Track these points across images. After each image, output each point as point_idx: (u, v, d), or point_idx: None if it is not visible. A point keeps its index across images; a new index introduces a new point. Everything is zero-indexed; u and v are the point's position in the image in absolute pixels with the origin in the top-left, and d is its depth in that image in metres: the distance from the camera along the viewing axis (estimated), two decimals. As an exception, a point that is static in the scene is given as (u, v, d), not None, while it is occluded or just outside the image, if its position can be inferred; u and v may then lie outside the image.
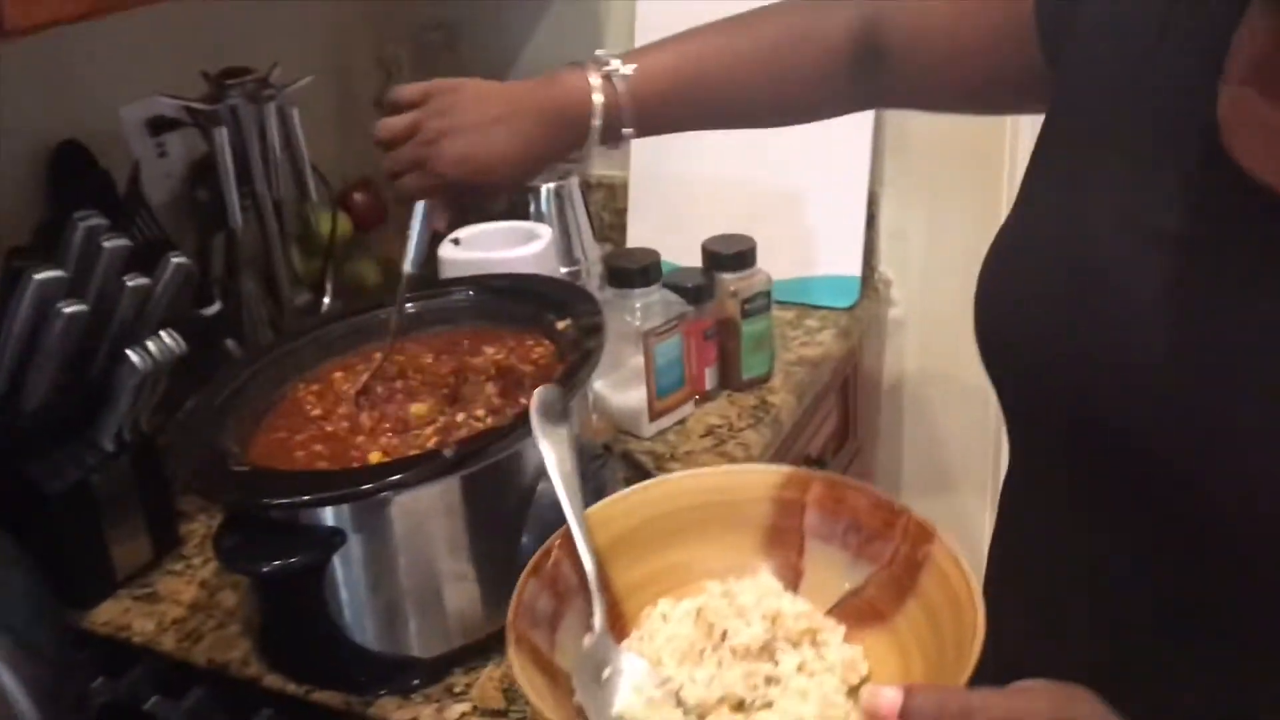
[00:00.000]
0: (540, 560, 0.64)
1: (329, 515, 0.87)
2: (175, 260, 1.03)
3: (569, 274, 1.45)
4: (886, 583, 0.63)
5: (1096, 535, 0.65)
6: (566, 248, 1.48)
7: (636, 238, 1.63)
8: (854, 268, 1.52)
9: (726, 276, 1.32)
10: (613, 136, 0.87)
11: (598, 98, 0.84)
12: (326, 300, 1.38)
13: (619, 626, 0.65)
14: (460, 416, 1.00)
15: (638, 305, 1.25)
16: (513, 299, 1.15)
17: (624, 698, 0.59)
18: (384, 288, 1.56)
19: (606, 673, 0.60)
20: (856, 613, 0.64)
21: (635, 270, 1.24)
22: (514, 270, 1.26)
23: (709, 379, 1.34)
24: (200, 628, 1.03)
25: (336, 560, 0.89)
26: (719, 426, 1.29)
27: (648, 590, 0.67)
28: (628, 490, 0.69)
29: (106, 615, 1.06)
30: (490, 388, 1.03)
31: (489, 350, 1.09)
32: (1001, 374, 0.69)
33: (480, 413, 1.00)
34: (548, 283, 1.18)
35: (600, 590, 0.62)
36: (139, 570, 1.10)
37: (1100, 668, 0.57)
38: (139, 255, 1.25)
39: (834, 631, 0.63)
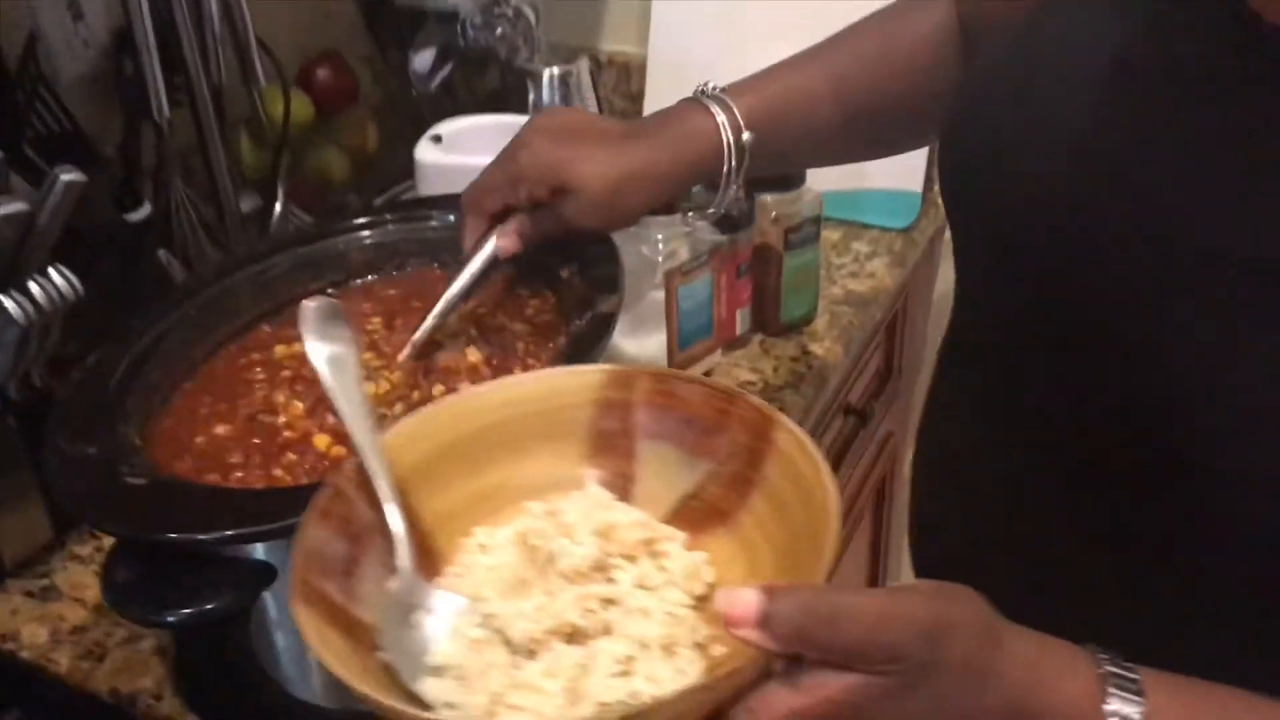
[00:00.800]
0: (325, 498, 0.54)
1: (259, 547, 0.66)
2: (65, 178, 0.79)
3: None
4: (727, 479, 0.57)
5: (1024, 446, 0.66)
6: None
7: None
8: (914, 182, 1.28)
9: (768, 198, 1.07)
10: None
11: (728, 137, 0.81)
12: (278, 207, 1.14)
13: (430, 565, 0.57)
14: (437, 392, 0.78)
15: (659, 236, 1.01)
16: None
17: (441, 645, 0.52)
18: (352, 185, 1.31)
19: (419, 618, 0.53)
20: (697, 516, 0.58)
21: (658, 195, 1.00)
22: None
23: (740, 322, 1.11)
24: (106, 640, 0.83)
25: (268, 597, 0.68)
26: (751, 383, 1.07)
27: (461, 520, 0.59)
28: (425, 409, 0.60)
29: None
30: (471, 355, 0.81)
31: (468, 303, 0.86)
32: (954, 214, 0.69)
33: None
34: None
35: (403, 524, 0.54)
36: (34, 555, 0.90)
37: (1017, 580, 0.57)
38: (49, 147, 1.02)
39: (674, 540, 0.57)
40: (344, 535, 0.54)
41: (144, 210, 1.08)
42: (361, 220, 0.94)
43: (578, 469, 0.61)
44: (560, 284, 0.86)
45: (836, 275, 1.21)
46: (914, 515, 0.86)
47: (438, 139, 1.14)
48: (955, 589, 0.49)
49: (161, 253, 1.10)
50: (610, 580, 0.55)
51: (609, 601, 0.53)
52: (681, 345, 1.04)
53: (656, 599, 0.53)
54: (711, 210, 0.87)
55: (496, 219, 0.82)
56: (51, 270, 0.80)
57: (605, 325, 0.78)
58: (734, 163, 0.81)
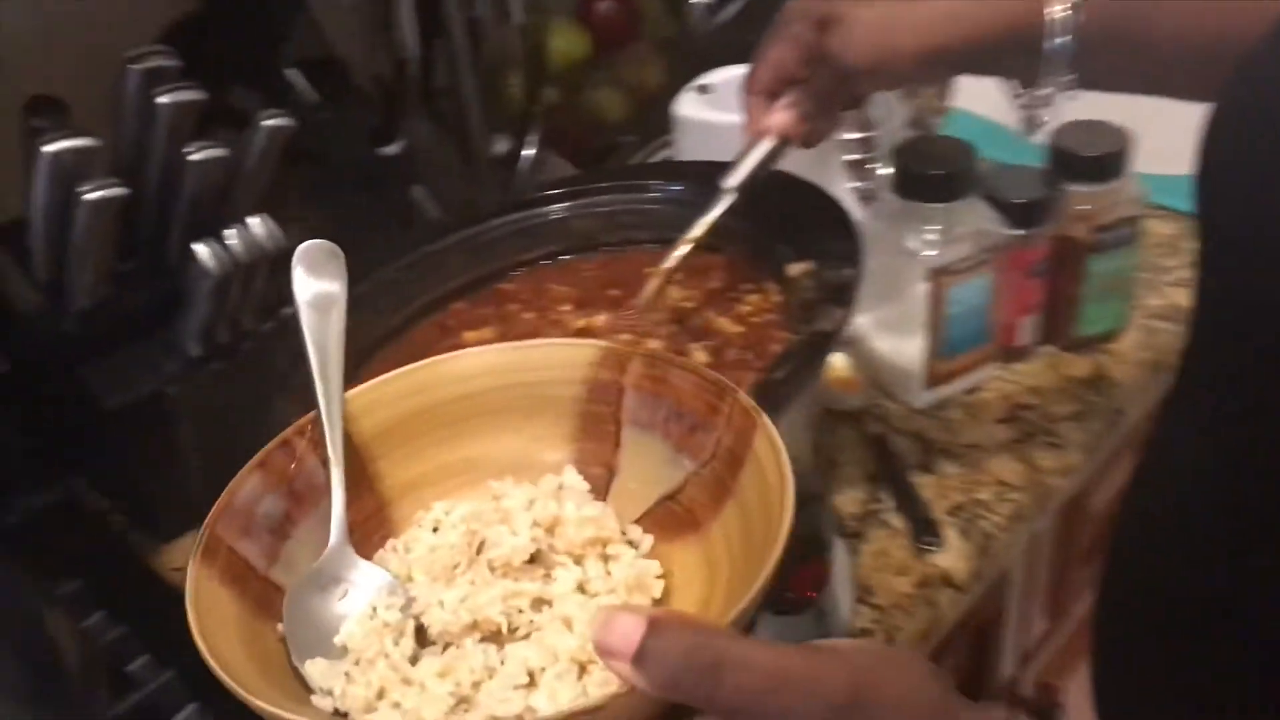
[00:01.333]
0: (273, 451, 0.52)
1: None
2: (268, 123, 0.74)
3: (860, 145, 1.06)
4: (707, 482, 0.52)
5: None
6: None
7: (964, 97, 1.20)
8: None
9: (1079, 189, 0.89)
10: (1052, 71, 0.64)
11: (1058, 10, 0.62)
12: (527, 150, 1.07)
13: (379, 537, 0.53)
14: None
15: (929, 228, 0.86)
16: (735, 210, 0.80)
17: (349, 623, 0.48)
18: (627, 126, 1.22)
19: (340, 591, 0.49)
20: (671, 520, 0.53)
21: (935, 178, 0.85)
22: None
23: (1024, 331, 0.94)
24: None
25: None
26: (1027, 408, 0.90)
27: (426, 491, 0.55)
28: (406, 369, 0.56)
29: (182, 557, 0.85)
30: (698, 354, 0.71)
31: (675, 292, 0.76)
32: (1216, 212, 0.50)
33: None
34: (795, 191, 0.80)
35: (342, 488, 0.51)
36: (235, 499, 0.89)
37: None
38: (307, 75, 0.99)
39: (633, 544, 0.52)
40: (284, 492, 0.51)
41: (397, 145, 1.04)
42: (588, 186, 0.85)
43: (559, 452, 0.56)
44: (787, 281, 0.73)
45: (1160, 281, 1.01)
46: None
47: (704, 89, 1.03)
48: (894, 655, 0.42)
49: (416, 189, 1.06)
50: (549, 579, 0.50)
51: (543, 602, 0.49)
52: (945, 351, 0.89)
53: (590, 608, 0.48)
54: (1039, 94, 0.67)
55: (777, 97, 0.73)
56: (251, 220, 0.76)
57: (820, 349, 0.65)
58: (1057, 40, 0.63)
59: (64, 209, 0.69)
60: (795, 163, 0.88)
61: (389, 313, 0.79)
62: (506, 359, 0.56)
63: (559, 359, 0.56)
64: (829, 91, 0.71)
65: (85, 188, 0.67)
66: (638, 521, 0.53)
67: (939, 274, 0.85)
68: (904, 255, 0.86)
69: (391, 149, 1.04)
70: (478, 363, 0.56)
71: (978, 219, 0.87)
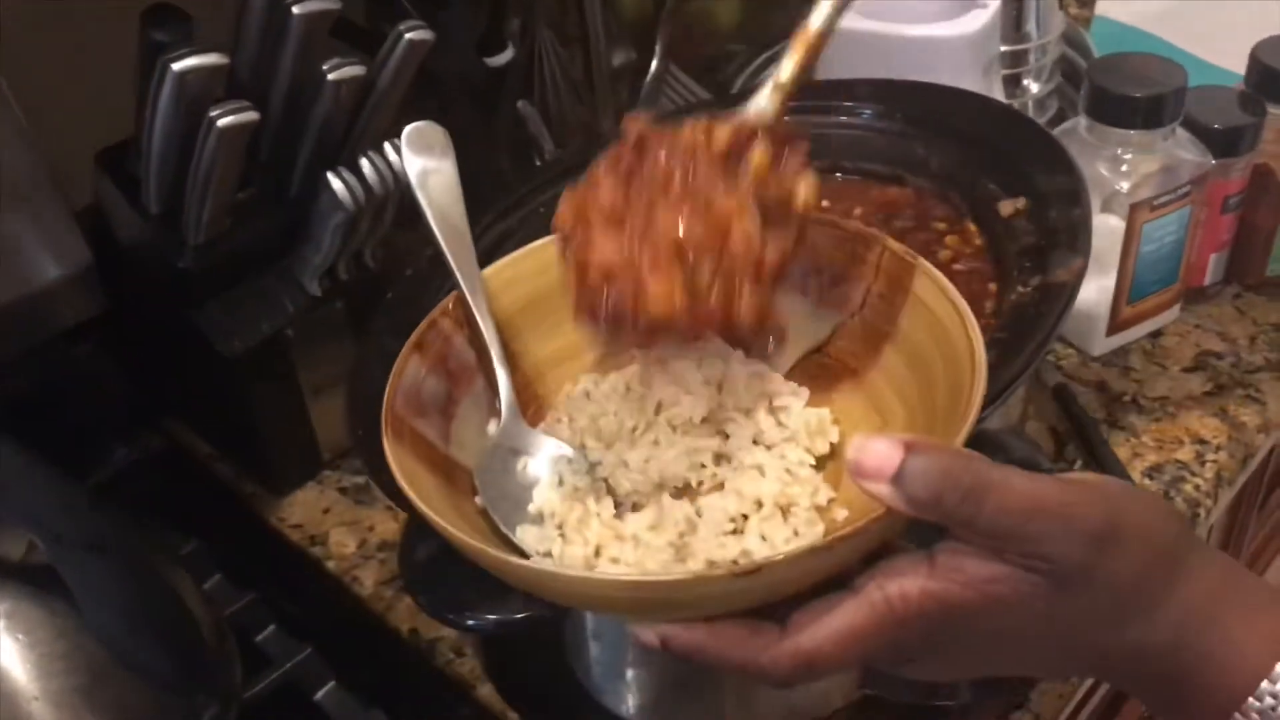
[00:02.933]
0: (424, 334, 0.51)
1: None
2: (410, 36, 0.65)
3: (1010, 60, 0.96)
4: (858, 331, 0.52)
5: None
6: (1017, 12, 0.97)
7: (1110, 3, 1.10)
8: None
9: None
10: None
11: None
12: (654, 63, 0.97)
13: (532, 411, 0.54)
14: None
15: (1127, 157, 0.77)
16: (927, 136, 0.71)
17: (541, 493, 0.49)
18: (741, 34, 1.12)
19: (520, 464, 0.50)
20: (823, 372, 0.53)
21: (1137, 101, 0.75)
22: (935, 59, 0.81)
23: (1211, 270, 0.86)
24: (413, 565, 0.74)
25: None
26: (1217, 355, 0.82)
27: (567, 366, 0.55)
28: (535, 244, 0.55)
29: (301, 513, 0.78)
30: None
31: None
32: None
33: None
34: (996, 116, 0.71)
35: (505, 365, 0.51)
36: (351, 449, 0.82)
37: None
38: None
39: (796, 395, 0.52)
40: (442, 373, 0.51)
41: (507, 55, 0.95)
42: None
43: None
44: (997, 222, 0.65)
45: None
46: None
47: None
48: (1141, 494, 0.44)
49: (521, 104, 0.97)
50: (724, 435, 0.51)
51: (721, 457, 0.50)
52: (1135, 296, 0.81)
53: (774, 456, 0.49)
54: None
55: None
56: (388, 147, 0.68)
57: (1058, 302, 0.57)
58: None
59: (187, 133, 0.61)
60: (961, 79, 0.79)
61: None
62: None
63: None
64: None
65: (216, 111, 0.59)
66: (788, 377, 0.53)
67: (1137, 209, 0.76)
68: (1094, 184, 0.77)
69: (500, 60, 0.95)
70: None
71: (1175, 147, 0.78)
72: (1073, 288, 0.58)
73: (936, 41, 0.83)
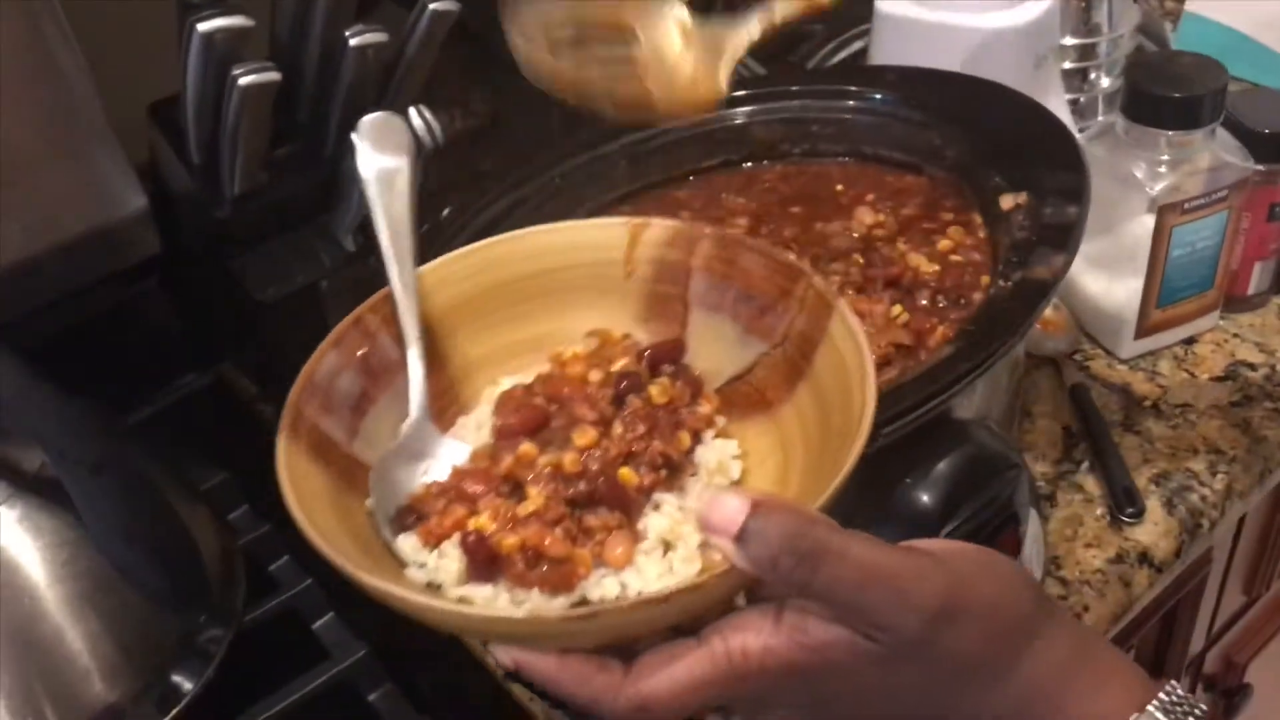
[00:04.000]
0: (347, 329, 0.51)
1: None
2: (434, 7, 0.68)
3: (1081, 52, 0.95)
4: (778, 363, 0.52)
5: None
6: (1085, 3, 0.96)
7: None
8: None
9: (1338, 118, 0.77)
10: None
11: None
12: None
13: (452, 412, 0.53)
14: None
15: (1162, 158, 0.75)
16: (946, 125, 0.71)
17: None
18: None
19: (423, 468, 0.49)
20: (741, 400, 0.53)
21: (1173, 101, 0.74)
22: (983, 50, 0.80)
23: (1255, 278, 0.83)
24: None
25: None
26: (1251, 366, 0.80)
27: (492, 369, 0.55)
28: (474, 245, 0.56)
29: (329, 456, 0.82)
30: (851, 298, 0.63)
31: (865, 216, 0.68)
32: None
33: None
34: (1011, 107, 0.71)
35: (422, 365, 0.51)
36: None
37: None
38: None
39: (710, 426, 0.51)
40: (360, 369, 0.51)
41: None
42: (774, 89, 0.77)
43: (626, 331, 0.54)
44: (996, 215, 0.65)
45: None
46: None
47: (909, -20, 0.92)
48: (994, 564, 0.42)
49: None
50: None
51: None
52: (1164, 300, 0.79)
53: (673, 489, 0.47)
54: None
55: None
56: (412, 111, 0.71)
57: (1032, 301, 0.57)
58: None
59: (217, 91, 0.65)
60: (1007, 71, 0.78)
61: (552, 218, 0.72)
62: (575, 237, 0.56)
63: (625, 239, 0.54)
64: None
65: (239, 70, 0.63)
66: None
67: (1167, 211, 0.75)
68: (1127, 185, 0.76)
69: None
70: (546, 241, 0.56)
71: (1217, 149, 0.76)
72: (1050, 286, 0.58)
73: (984, 32, 0.82)
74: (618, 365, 0.50)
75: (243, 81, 0.63)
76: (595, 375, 0.50)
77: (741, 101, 0.76)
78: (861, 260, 0.65)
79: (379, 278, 0.79)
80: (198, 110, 0.67)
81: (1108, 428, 0.76)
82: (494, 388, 0.53)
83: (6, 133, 0.68)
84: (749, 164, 0.76)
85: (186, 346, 0.89)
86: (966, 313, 0.61)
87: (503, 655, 0.40)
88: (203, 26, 0.61)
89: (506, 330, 0.55)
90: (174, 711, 0.60)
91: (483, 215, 0.71)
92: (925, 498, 0.57)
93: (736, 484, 0.49)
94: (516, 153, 0.79)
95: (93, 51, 0.72)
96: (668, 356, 0.51)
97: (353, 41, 0.66)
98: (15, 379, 0.55)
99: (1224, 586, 0.94)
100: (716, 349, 0.53)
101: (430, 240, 0.70)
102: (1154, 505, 0.72)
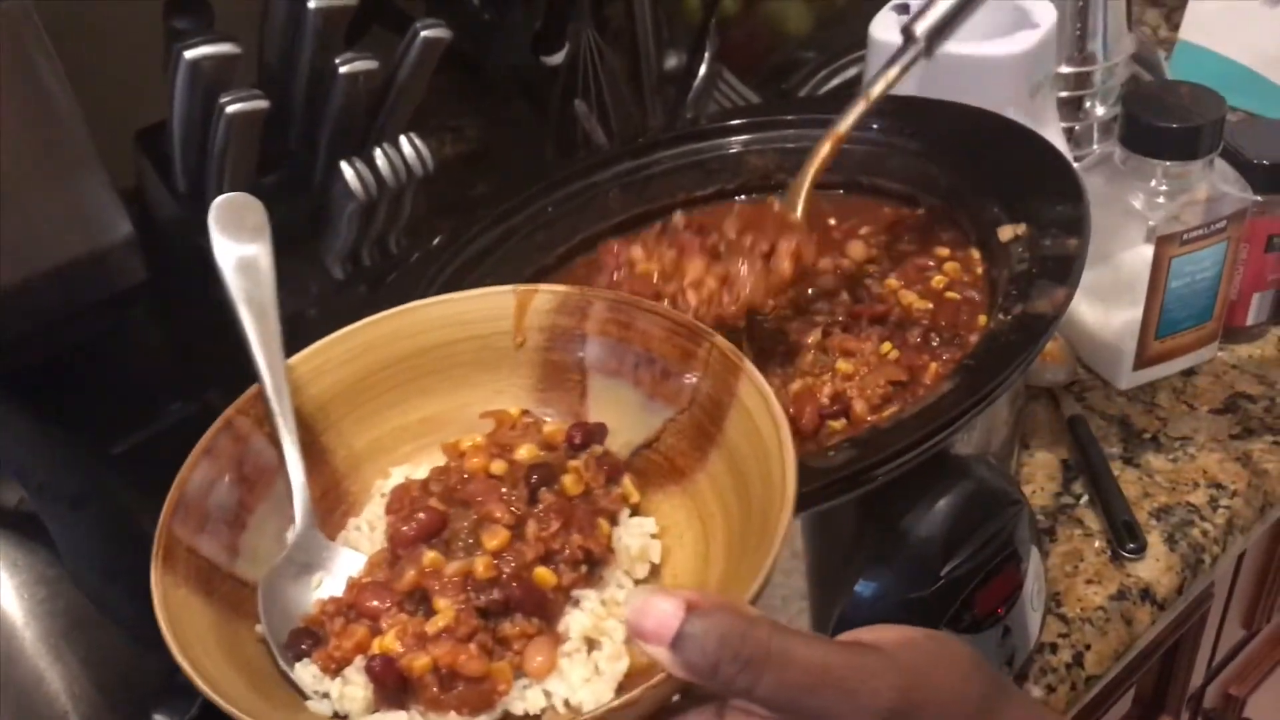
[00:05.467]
0: (216, 435, 0.47)
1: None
2: (426, 34, 0.67)
3: (1073, 81, 0.94)
4: (686, 430, 0.49)
5: None
6: (1079, 32, 0.95)
7: (1197, 28, 1.06)
8: None
9: (1338, 149, 0.77)
10: None
11: None
12: (702, 69, 0.98)
13: (341, 513, 0.49)
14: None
15: (1160, 189, 0.75)
16: (942, 155, 0.70)
17: None
18: (811, 41, 1.12)
19: (315, 580, 0.45)
20: (651, 469, 0.50)
21: (1171, 132, 0.73)
22: (979, 79, 0.79)
23: (1254, 309, 0.82)
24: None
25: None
26: (1250, 398, 0.79)
27: (383, 458, 0.51)
28: (349, 328, 0.53)
29: (316, 488, 0.81)
30: (838, 337, 0.62)
31: (855, 250, 0.67)
32: None
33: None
34: (1009, 137, 0.70)
35: (302, 468, 0.47)
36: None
37: None
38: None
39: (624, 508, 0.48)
40: (235, 478, 0.47)
41: (561, 54, 0.96)
42: (769, 118, 0.76)
43: (522, 405, 0.52)
44: (995, 249, 0.64)
45: None
46: None
47: (905, 9, 0.92)
48: (945, 649, 0.39)
49: (578, 103, 0.99)
50: None
51: None
52: (1163, 332, 0.79)
53: (592, 585, 0.45)
54: None
55: None
56: (403, 140, 0.70)
57: (1034, 335, 0.56)
58: None
59: (204, 118, 0.64)
60: (1003, 100, 0.78)
61: (544, 248, 0.72)
62: (454, 310, 0.52)
63: (512, 307, 0.52)
64: None
65: (226, 98, 0.62)
66: None
67: (1165, 242, 0.74)
68: (1125, 215, 0.76)
69: (555, 58, 0.97)
70: (424, 317, 0.52)
71: (1215, 180, 0.75)
72: (1051, 320, 0.57)
73: (980, 61, 0.81)
74: (521, 451, 0.47)
75: (230, 109, 0.62)
76: (498, 466, 0.46)
77: (736, 130, 0.76)
78: (849, 297, 0.64)
79: (367, 307, 0.78)
80: (184, 137, 0.66)
81: (1106, 461, 0.75)
82: (385, 479, 0.50)
83: (-10, 159, 0.67)
84: (742, 196, 0.75)
85: (173, 375, 0.88)
86: (962, 352, 0.60)
87: None
88: (190, 54, 0.60)
89: (393, 415, 0.51)
90: (154, 753, 0.59)
91: (474, 244, 0.70)
92: (926, 536, 0.56)
93: (658, 568, 0.46)
94: (508, 180, 0.78)
95: (79, 77, 0.71)
96: (597, 437, 0.48)
97: (342, 69, 0.65)
98: (-7, 411, 0.54)
99: (1224, 620, 0.93)
100: (620, 417, 0.50)
101: (422, 268, 0.70)
102: (1155, 540, 0.71)
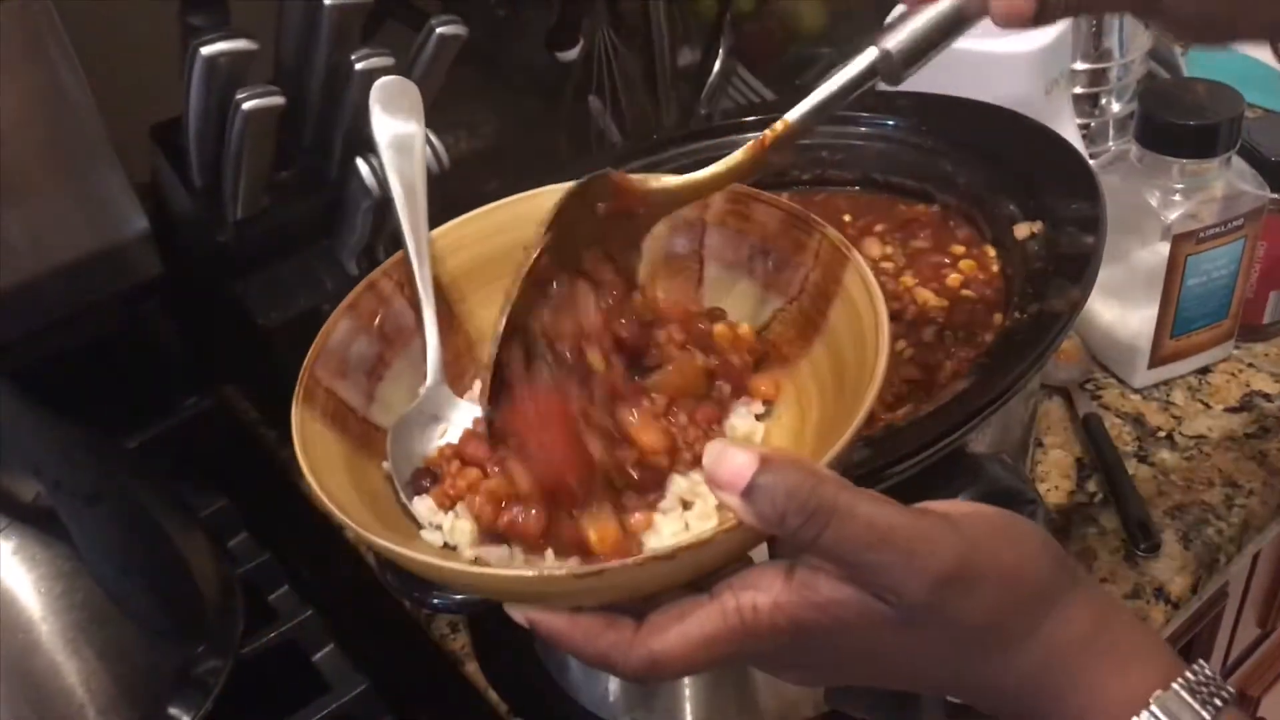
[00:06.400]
0: (362, 295, 0.51)
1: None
2: (441, 30, 0.67)
3: (1089, 78, 0.94)
4: (794, 318, 0.51)
5: None
6: (1095, 28, 0.95)
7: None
8: None
9: (1356, 146, 0.76)
10: None
11: None
12: (717, 65, 0.98)
13: (470, 376, 0.53)
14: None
15: (1176, 186, 0.74)
16: (957, 152, 0.70)
17: None
18: (825, 38, 1.12)
19: (440, 430, 0.49)
20: (759, 355, 0.51)
21: (1188, 129, 0.73)
22: (993, 75, 0.79)
23: (1270, 308, 0.82)
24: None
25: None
26: (1266, 397, 0.79)
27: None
28: (486, 207, 0.55)
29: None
30: None
31: (872, 248, 0.67)
32: None
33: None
34: (1025, 135, 0.70)
35: (436, 329, 0.50)
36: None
37: None
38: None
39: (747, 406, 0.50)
40: (376, 334, 0.51)
41: (576, 51, 0.96)
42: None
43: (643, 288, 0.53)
44: (1012, 245, 0.64)
45: None
46: None
47: (919, 4, 0.92)
48: (1012, 526, 0.40)
49: (592, 100, 0.99)
50: None
51: None
52: (1178, 330, 0.78)
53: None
54: None
55: None
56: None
57: (1049, 334, 0.56)
58: None
59: (220, 115, 0.65)
60: (1019, 97, 0.78)
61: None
62: None
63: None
64: None
65: (243, 94, 0.62)
66: None
67: (1182, 240, 0.74)
68: (1141, 213, 0.75)
69: (569, 54, 0.97)
70: (550, 203, 0.52)
71: (1232, 178, 0.75)
72: (1067, 319, 0.56)
73: (994, 57, 0.81)
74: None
75: (247, 106, 0.62)
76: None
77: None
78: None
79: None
80: (200, 133, 0.67)
81: (1121, 459, 0.74)
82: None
83: (9, 153, 0.67)
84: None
85: (188, 369, 0.88)
86: (977, 350, 0.60)
87: (516, 614, 0.40)
88: (206, 50, 0.61)
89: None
90: (170, 746, 0.59)
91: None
92: (939, 534, 0.56)
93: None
94: (522, 176, 0.78)
95: (95, 72, 0.71)
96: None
97: (358, 66, 0.65)
98: (10, 407, 0.54)
99: (1239, 620, 0.92)
100: (733, 306, 0.52)
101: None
102: (1170, 539, 0.71)
